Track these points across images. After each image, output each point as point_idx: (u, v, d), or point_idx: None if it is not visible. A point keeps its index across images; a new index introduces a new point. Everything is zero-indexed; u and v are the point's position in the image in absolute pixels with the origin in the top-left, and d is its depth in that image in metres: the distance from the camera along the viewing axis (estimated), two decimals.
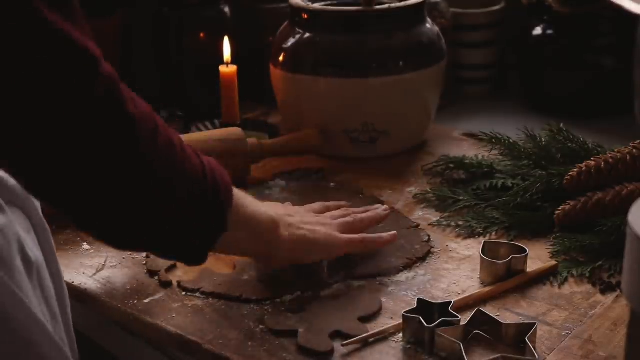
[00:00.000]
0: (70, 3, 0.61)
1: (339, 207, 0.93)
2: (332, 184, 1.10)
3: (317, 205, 0.92)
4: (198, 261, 0.76)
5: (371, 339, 0.77)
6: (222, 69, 1.19)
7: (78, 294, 0.86)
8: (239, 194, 0.77)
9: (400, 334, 0.77)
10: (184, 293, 0.85)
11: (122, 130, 0.63)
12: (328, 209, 0.92)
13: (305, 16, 1.16)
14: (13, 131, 0.60)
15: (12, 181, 0.70)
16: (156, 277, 0.88)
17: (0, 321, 0.65)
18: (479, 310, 0.77)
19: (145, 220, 0.68)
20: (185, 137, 1.08)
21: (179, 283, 0.86)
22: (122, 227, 0.68)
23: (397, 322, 0.78)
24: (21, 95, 0.59)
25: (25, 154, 0.61)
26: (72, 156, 0.62)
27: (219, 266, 0.89)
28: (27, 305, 0.67)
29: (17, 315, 0.66)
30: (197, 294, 0.85)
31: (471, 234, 0.96)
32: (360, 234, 0.88)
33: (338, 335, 0.77)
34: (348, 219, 0.89)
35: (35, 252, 0.70)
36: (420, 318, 0.75)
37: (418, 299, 0.79)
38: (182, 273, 0.89)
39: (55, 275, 0.75)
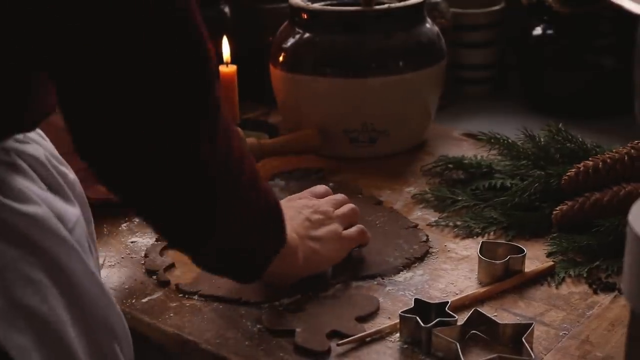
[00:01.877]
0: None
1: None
2: (331, 184, 1.10)
3: (320, 188, 0.94)
4: (254, 278, 0.79)
5: (368, 339, 0.77)
6: (222, 68, 1.19)
7: None
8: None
9: (397, 334, 0.77)
10: (181, 295, 0.85)
11: (215, 159, 0.66)
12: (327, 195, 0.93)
13: (305, 16, 1.17)
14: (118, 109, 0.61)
15: (72, 176, 0.72)
16: (154, 277, 0.88)
17: (86, 303, 0.67)
18: (476, 310, 0.77)
19: (222, 237, 0.71)
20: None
21: (177, 286, 0.86)
22: (199, 241, 0.70)
23: (394, 322, 0.78)
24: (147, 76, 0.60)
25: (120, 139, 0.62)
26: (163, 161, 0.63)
27: None
28: (104, 286, 0.69)
29: (97, 295, 0.68)
30: (195, 297, 0.85)
31: (469, 234, 0.96)
32: (356, 227, 0.90)
33: (335, 335, 0.77)
34: (345, 209, 0.90)
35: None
36: (417, 318, 0.75)
37: (415, 299, 0.79)
38: (180, 273, 0.89)
39: (98, 266, 0.76)
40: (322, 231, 0.86)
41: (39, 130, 0.71)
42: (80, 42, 0.58)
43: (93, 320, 0.67)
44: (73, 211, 0.69)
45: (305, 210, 0.87)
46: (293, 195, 0.92)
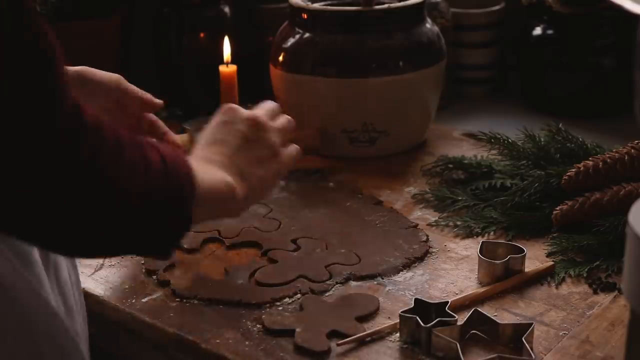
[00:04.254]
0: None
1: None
2: (331, 184, 1.10)
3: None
4: (167, 256, 0.70)
5: (368, 339, 0.77)
6: (222, 68, 1.19)
7: None
8: (196, 169, 0.70)
9: (397, 334, 0.77)
10: (178, 299, 0.84)
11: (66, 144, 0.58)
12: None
13: (305, 16, 1.17)
14: None
15: None
16: (154, 277, 0.88)
17: (20, 313, 0.66)
18: (476, 310, 0.77)
19: (107, 230, 0.63)
20: (184, 138, 1.09)
21: (173, 291, 0.85)
22: (85, 238, 0.62)
23: (394, 322, 0.78)
24: None
25: None
26: (20, 171, 0.56)
27: (209, 272, 0.89)
28: (45, 297, 0.68)
29: (35, 307, 0.67)
30: (195, 301, 0.84)
31: (469, 234, 0.96)
32: (293, 147, 0.86)
33: (335, 335, 0.77)
34: (284, 121, 0.86)
35: None
36: (417, 318, 0.75)
37: (415, 298, 0.79)
38: (180, 273, 0.89)
39: (72, 268, 0.75)
40: (262, 152, 0.81)
41: None
42: None
43: (30, 326, 0.66)
44: None
45: (240, 125, 0.81)
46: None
